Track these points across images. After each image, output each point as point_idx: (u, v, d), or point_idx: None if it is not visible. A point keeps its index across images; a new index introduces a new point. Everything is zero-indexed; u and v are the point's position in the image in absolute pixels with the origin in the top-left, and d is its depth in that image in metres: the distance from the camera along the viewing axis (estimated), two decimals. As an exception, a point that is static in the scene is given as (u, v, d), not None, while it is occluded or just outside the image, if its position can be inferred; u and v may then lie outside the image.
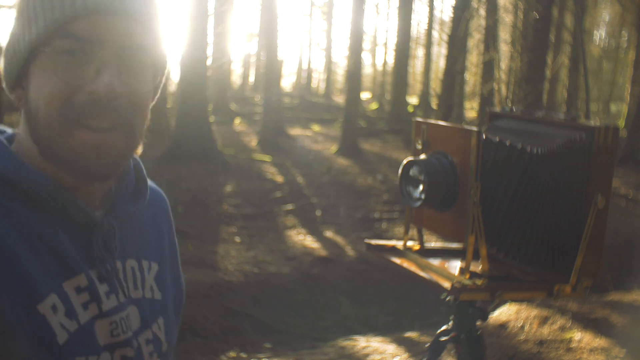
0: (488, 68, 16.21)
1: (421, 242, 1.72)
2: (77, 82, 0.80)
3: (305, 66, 32.72)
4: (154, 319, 0.98)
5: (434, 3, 26.72)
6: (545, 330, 4.24)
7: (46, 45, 0.80)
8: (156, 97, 0.94)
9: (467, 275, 1.47)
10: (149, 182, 1.06)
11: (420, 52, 32.70)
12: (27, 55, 0.82)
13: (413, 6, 18.84)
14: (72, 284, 0.84)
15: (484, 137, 1.50)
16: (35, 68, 0.82)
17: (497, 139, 1.53)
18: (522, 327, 4.32)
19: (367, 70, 32.28)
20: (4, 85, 0.88)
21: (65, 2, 0.79)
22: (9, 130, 0.93)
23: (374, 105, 25.94)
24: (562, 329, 4.25)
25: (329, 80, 29.96)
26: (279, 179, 10.38)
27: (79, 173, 0.83)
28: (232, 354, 4.35)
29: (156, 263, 1.01)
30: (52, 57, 0.80)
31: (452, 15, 16.05)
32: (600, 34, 27.60)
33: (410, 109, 21.96)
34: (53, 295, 0.82)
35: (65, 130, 0.80)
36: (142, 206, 0.98)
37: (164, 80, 0.94)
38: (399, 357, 4.12)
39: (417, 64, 34.03)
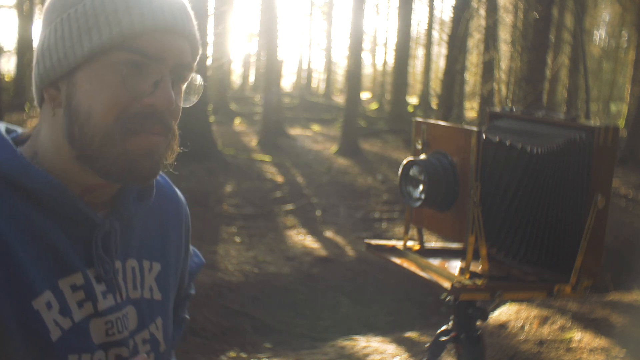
0: (488, 68, 16.21)
1: (421, 242, 1.72)
2: (135, 94, 0.83)
3: (305, 66, 32.72)
4: (152, 319, 0.98)
5: (434, 3, 26.73)
6: (545, 330, 4.24)
7: (108, 55, 0.83)
8: None
9: (467, 275, 1.47)
10: (169, 185, 1.10)
11: (420, 52, 32.70)
12: (83, 60, 0.83)
13: (413, 6, 18.84)
14: (68, 282, 0.85)
15: (484, 137, 1.50)
16: (86, 74, 0.84)
17: (497, 139, 1.53)
18: (522, 327, 4.32)
19: (367, 70, 32.27)
20: (36, 82, 0.90)
21: (133, 18, 0.82)
22: (19, 130, 0.95)
23: (374, 105, 25.94)
24: (562, 329, 4.25)
25: (329, 80, 29.96)
26: (279, 179, 10.38)
27: (127, 176, 0.86)
28: (232, 354, 4.35)
29: (158, 263, 1.02)
30: (112, 67, 0.83)
31: (452, 15, 16.06)
32: (600, 34, 27.60)
33: (410, 109, 21.97)
34: (48, 292, 0.83)
35: (121, 136, 0.83)
36: (147, 206, 0.99)
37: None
38: (399, 357, 4.11)
39: (417, 64, 34.02)
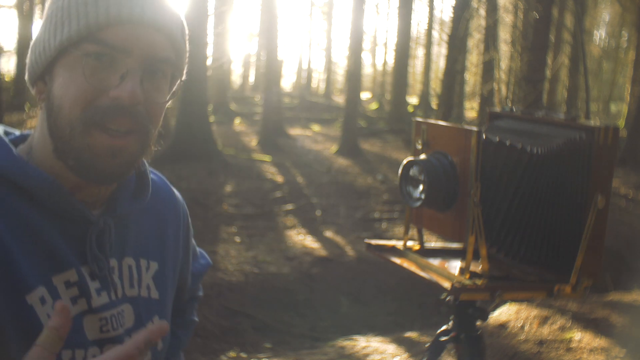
0: (488, 68, 16.21)
1: (421, 242, 1.72)
2: (101, 87, 0.83)
3: (305, 66, 32.73)
4: (149, 317, 0.99)
5: (434, 3, 26.74)
6: (545, 330, 4.24)
7: (76, 48, 0.83)
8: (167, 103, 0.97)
9: (467, 275, 1.47)
10: (166, 185, 1.09)
11: (420, 52, 32.68)
12: (55, 53, 0.85)
13: (413, 6, 18.85)
14: (62, 278, 0.86)
15: (484, 137, 1.50)
16: (61, 67, 0.85)
17: (497, 139, 1.53)
18: (522, 327, 4.32)
19: (367, 70, 32.29)
20: (27, 77, 0.92)
21: (99, 10, 0.83)
22: (17, 132, 0.96)
23: (374, 105, 25.94)
24: (562, 329, 4.25)
25: (329, 80, 29.96)
26: (279, 179, 10.37)
27: (91, 173, 0.86)
28: (232, 354, 4.35)
29: (156, 262, 1.02)
30: (80, 60, 0.83)
31: (452, 15, 16.03)
32: (600, 34, 27.62)
33: (410, 109, 21.97)
34: (41, 287, 0.83)
35: (85, 130, 0.84)
36: (142, 205, 0.99)
37: (178, 91, 0.97)
38: (399, 357, 4.11)
39: (417, 64, 34.01)
